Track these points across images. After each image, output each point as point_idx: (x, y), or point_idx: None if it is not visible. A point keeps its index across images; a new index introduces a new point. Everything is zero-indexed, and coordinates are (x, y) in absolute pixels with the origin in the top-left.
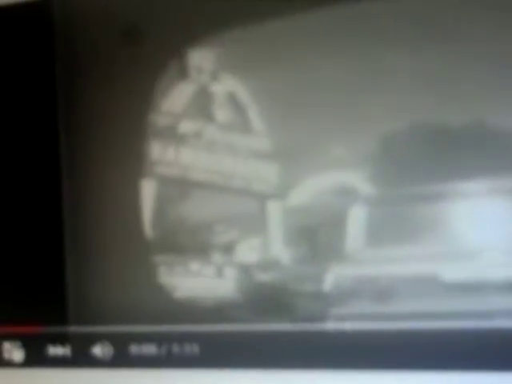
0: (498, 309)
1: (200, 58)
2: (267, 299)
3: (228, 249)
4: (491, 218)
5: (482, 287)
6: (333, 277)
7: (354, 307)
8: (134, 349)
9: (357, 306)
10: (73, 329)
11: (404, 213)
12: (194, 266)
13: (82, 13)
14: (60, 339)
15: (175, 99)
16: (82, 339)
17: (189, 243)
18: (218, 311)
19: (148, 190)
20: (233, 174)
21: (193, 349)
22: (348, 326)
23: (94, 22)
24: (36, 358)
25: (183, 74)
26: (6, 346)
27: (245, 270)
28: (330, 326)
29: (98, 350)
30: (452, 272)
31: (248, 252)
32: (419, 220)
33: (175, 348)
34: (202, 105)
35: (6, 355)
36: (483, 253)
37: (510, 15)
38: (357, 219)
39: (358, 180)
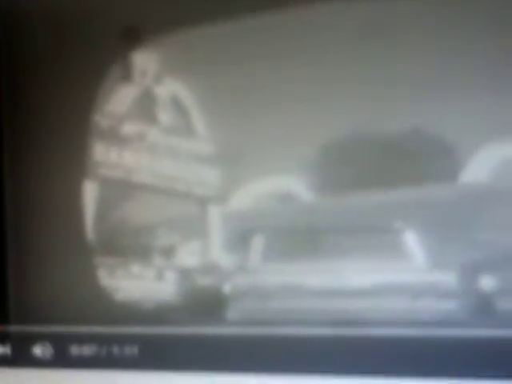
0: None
1: (144, 60)
2: (206, 303)
3: (169, 252)
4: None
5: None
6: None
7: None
8: (74, 349)
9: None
10: (13, 328)
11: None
12: (135, 268)
13: (25, 12)
14: (0, 338)
15: (119, 101)
16: (22, 339)
17: (130, 246)
18: (158, 314)
19: (90, 192)
20: (175, 177)
21: (132, 350)
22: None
23: (37, 21)
24: None
25: (127, 75)
26: None
27: (185, 273)
28: (271, 330)
29: (38, 350)
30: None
31: (188, 256)
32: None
33: (115, 349)
34: (146, 107)
35: None
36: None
37: (445, 25)
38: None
39: (297, 186)
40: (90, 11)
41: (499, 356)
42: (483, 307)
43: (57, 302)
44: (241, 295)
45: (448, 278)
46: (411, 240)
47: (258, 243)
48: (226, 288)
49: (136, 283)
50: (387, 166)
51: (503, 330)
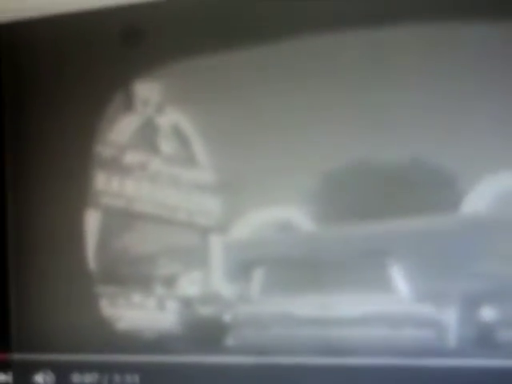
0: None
1: (146, 90)
2: (207, 332)
3: (170, 281)
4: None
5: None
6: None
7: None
8: (76, 377)
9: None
10: (15, 356)
11: None
12: (136, 297)
13: (27, 42)
14: (2, 367)
15: (121, 130)
16: (24, 367)
17: (131, 275)
18: (159, 343)
19: (92, 221)
20: (176, 207)
21: (133, 379)
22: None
23: (38, 50)
24: None
25: (129, 105)
26: None
27: (186, 302)
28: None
29: (40, 378)
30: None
31: (189, 285)
32: None
33: (116, 378)
34: (147, 137)
35: None
36: None
37: (446, 55)
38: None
39: (297, 216)
40: (91, 40)
41: None
42: (483, 338)
43: (58, 330)
44: (241, 325)
45: (448, 310)
46: (399, 275)
47: (258, 274)
48: (227, 317)
49: (137, 312)
50: (387, 196)
51: (504, 360)
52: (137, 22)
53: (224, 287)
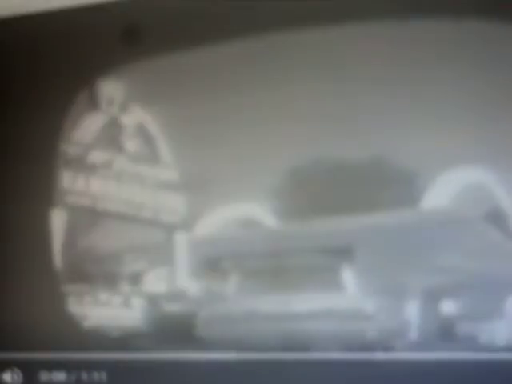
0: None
1: (110, 89)
2: (173, 329)
3: (136, 279)
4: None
5: None
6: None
7: None
8: (44, 376)
9: None
10: None
11: None
12: (103, 295)
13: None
14: None
15: (85, 130)
16: None
17: (97, 273)
18: (126, 340)
19: (58, 220)
20: (141, 205)
21: (101, 376)
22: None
23: (7, 51)
24: None
25: (93, 104)
26: None
27: (152, 300)
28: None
29: (7, 377)
30: None
31: (155, 282)
32: None
33: (84, 375)
34: (112, 135)
35: None
36: None
37: (407, 55)
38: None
39: (261, 212)
40: (62, 43)
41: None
42: (444, 331)
43: (25, 328)
44: (206, 321)
45: (410, 304)
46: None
47: (222, 270)
48: (192, 314)
49: (103, 310)
50: (348, 192)
51: (463, 353)
52: (107, 24)
53: (190, 284)
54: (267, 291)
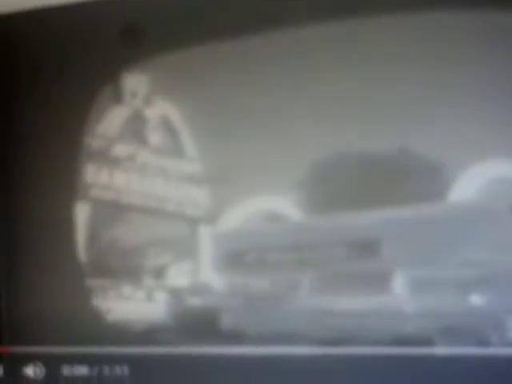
0: None
1: (134, 83)
2: (196, 323)
3: (159, 273)
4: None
5: None
6: None
7: None
8: (66, 370)
9: None
10: (5, 349)
11: None
12: (126, 289)
13: (22, 40)
14: None
15: (109, 123)
16: (14, 359)
17: (121, 267)
18: (149, 334)
19: (82, 213)
20: (165, 198)
21: (123, 370)
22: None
23: (30, 46)
24: None
25: (117, 97)
26: None
27: (175, 294)
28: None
29: (30, 371)
30: None
31: (179, 276)
32: None
33: (106, 369)
34: (136, 129)
35: None
36: None
37: (434, 47)
38: None
39: (285, 205)
40: (81, 34)
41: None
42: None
43: (49, 322)
44: (231, 315)
45: (436, 297)
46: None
47: (247, 263)
48: (216, 308)
49: (127, 304)
50: (375, 185)
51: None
52: (128, 17)
53: (213, 277)
54: (294, 285)
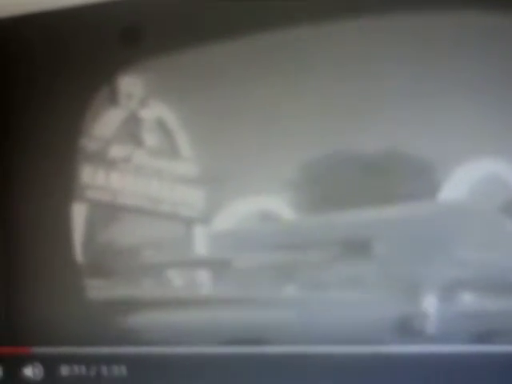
0: None
1: (130, 85)
2: (194, 322)
3: (155, 273)
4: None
5: None
6: None
7: None
8: (64, 370)
9: None
10: (4, 350)
11: None
12: (123, 289)
13: (19, 41)
14: None
15: (105, 124)
16: (13, 360)
17: (117, 267)
18: (147, 334)
19: (78, 214)
20: (161, 199)
21: (121, 370)
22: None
23: (26, 48)
24: None
25: (113, 99)
26: None
27: (171, 293)
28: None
29: (28, 371)
30: None
31: (174, 276)
32: None
33: (103, 369)
34: (131, 130)
35: None
36: None
37: (422, 46)
38: None
39: (278, 205)
40: (82, 38)
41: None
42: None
43: (46, 323)
44: (227, 315)
45: (426, 297)
46: None
47: (241, 263)
48: (212, 308)
49: (124, 304)
50: (365, 184)
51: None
52: (124, 20)
53: (209, 277)
54: (285, 283)
